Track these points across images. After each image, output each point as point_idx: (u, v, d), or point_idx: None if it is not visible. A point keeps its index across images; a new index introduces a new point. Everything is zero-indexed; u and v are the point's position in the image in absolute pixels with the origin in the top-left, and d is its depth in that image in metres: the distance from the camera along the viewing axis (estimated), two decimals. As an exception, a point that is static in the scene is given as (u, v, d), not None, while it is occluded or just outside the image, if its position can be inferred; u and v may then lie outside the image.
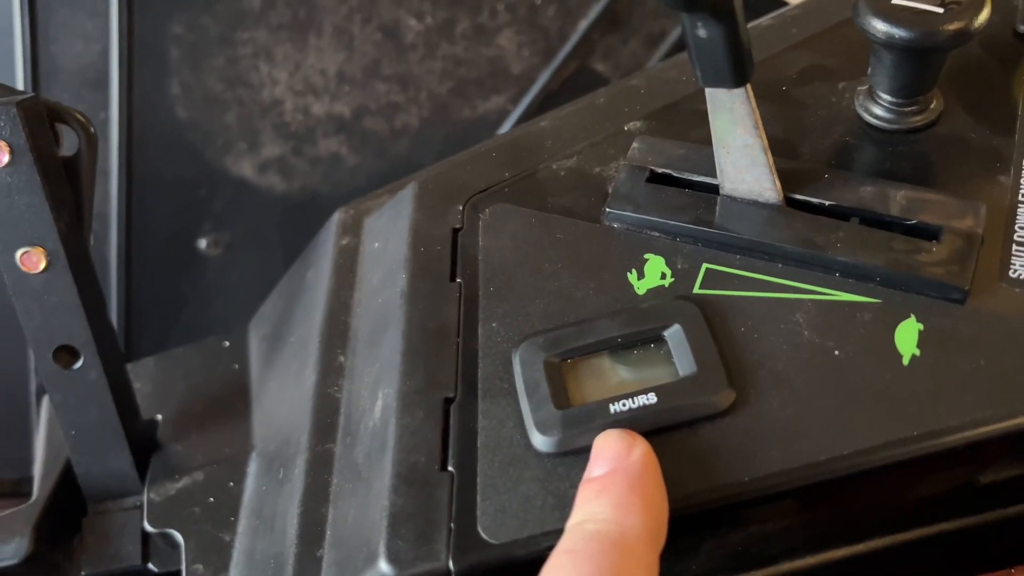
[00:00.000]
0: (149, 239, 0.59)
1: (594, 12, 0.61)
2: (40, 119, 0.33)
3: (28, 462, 0.51)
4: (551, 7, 0.59)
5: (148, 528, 0.34)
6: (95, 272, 0.35)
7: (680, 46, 0.59)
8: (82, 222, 0.35)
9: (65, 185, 0.34)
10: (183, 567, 0.33)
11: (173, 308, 0.60)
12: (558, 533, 0.22)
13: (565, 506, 0.23)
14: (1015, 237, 0.26)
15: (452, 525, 0.24)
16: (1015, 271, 0.25)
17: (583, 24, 0.59)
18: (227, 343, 0.42)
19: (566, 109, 0.33)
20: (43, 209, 0.33)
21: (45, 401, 0.44)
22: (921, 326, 0.25)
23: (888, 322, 0.25)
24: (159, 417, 0.39)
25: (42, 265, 0.33)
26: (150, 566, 0.35)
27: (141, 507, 0.36)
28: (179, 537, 0.34)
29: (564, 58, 0.60)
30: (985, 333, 0.24)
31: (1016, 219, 0.26)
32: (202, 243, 0.60)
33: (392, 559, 0.23)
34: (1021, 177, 0.27)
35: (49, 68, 0.55)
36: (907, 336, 0.25)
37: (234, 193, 0.60)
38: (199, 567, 0.33)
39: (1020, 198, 0.27)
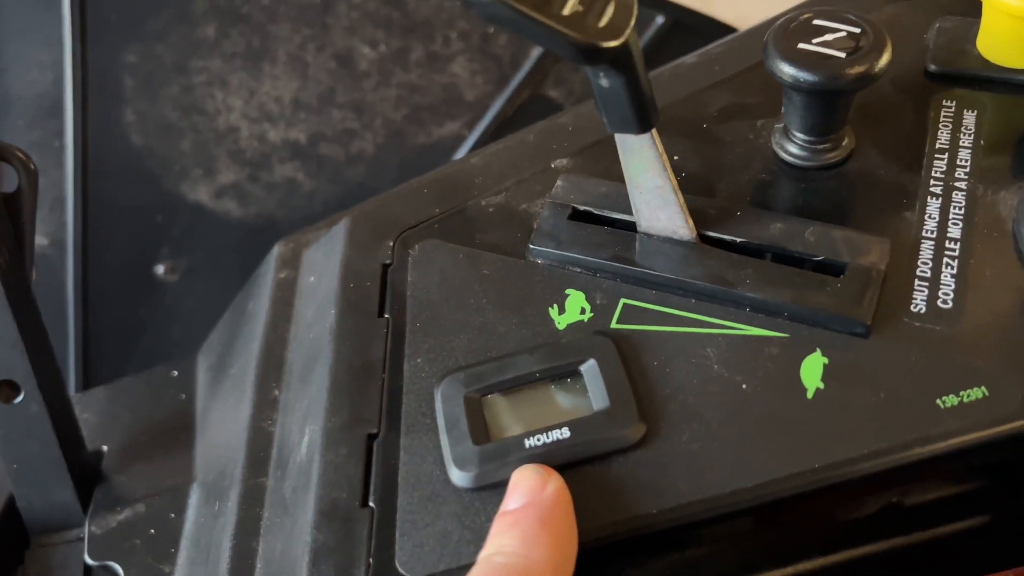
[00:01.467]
0: (106, 266, 0.59)
1: (547, 39, 0.62)
2: (-21, 158, 0.33)
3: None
4: (503, 35, 0.60)
5: (89, 561, 0.35)
6: (36, 307, 0.35)
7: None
8: (23, 257, 0.35)
9: (5, 221, 0.34)
10: (123, 599, 0.33)
11: (132, 334, 0.61)
12: (472, 567, 0.23)
13: (481, 540, 0.24)
14: (918, 272, 0.27)
15: (371, 561, 0.24)
16: (916, 306, 0.26)
17: (535, 52, 0.61)
18: (175, 372, 0.43)
19: (496, 146, 0.34)
20: (-23, 244, 0.33)
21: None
22: (826, 360, 0.26)
23: (794, 356, 0.26)
24: (104, 448, 0.39)
25: (-20, 300, 0.33)
26: (91, 599, 0.35)
27: (83, 539, 0.36)
28: (119, 570, 0.34)
29: (517, 85, 0.61)
30: (886, 367, 0.25)
31: (919, 255, 0.27)
32: (159, 269, 0.61)
33: (311, 595, 0.24)
34: (926, 213, 0.28)
35: (3, 97, 0.56)
36: (812, 370, 0.26)
37: (191, 219, 0.61)
38: (138, 600, 0.33)
39: (924, 234, 0.28)
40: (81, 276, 0.60)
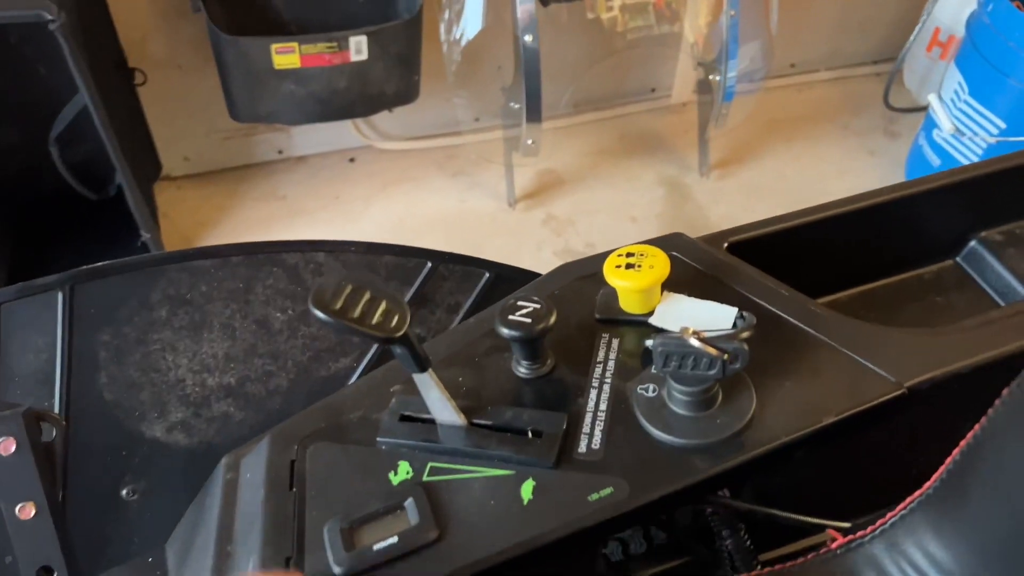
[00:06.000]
0: (82, 491, 0.77)
1: (410, 291, 0.87)
2: (33, 420, 0.54)
3: None
4: (376, 295, 0.85)
5: None
6: (65, 516, 0.55)
7: (469, 313, 0.85)
8: (55, 482, 0.55)
9: (48, 459, 0.54)
10: None
11: (101, 544, 0.77)
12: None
13: (351, 604, 0.44)
14: (582, 431, 0.50)
15: (291, 623, 0.44)
16: (580, 448, 0.49)
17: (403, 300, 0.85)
18: (150, 559, 0.61)
19: (357, 382, 0.57)
20: (34, 476, 0.53)
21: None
22: (534, 483, 0.48)
23: (518, 483, 0.48)
24: (103, 614, 0.57)
25: (32, 513, 0.53)
26: None
27: None
28: None
29: (390, 328, 0.85)
30: (564, 482, 0.48)
31: (584, 421, 0.51)
32: (124, 492, 0.79)
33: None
34: (589, 398, 0.52)
35: (8, 375, 0.76)
36: (527, 489, 0.48)
37: (148, 451, 0.80)
38: None
39: (588, 409, 0.51)
40: (62, 500, 0.77)
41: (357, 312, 0.45)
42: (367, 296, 0.46)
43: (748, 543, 0.53)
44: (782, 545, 0.56)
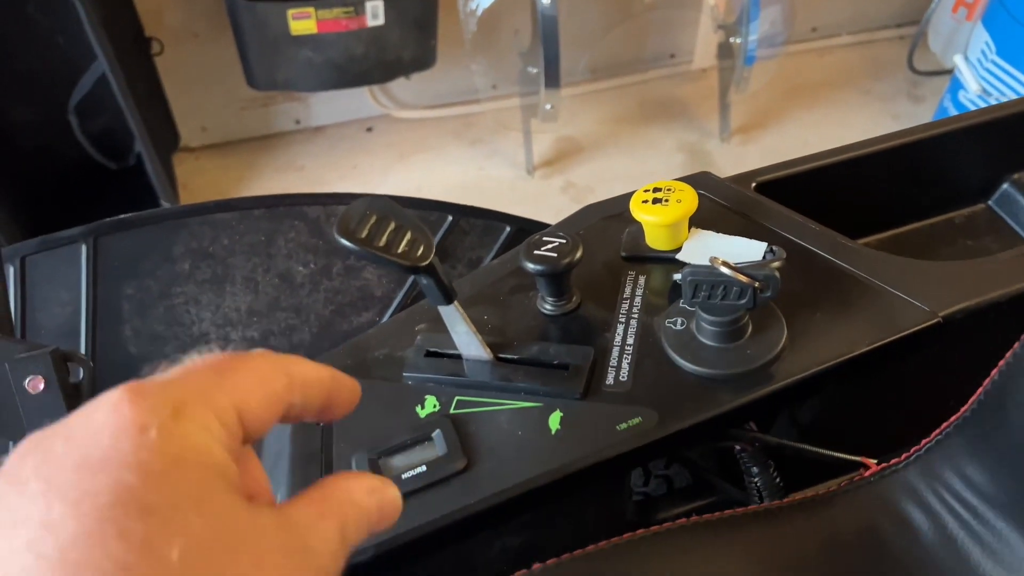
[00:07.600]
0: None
1: (431, 247, 0.86)
2: (60, 360, 0.54)
3: None
4: (398, 249, 0.84)
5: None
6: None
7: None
8: (84, 423, 0.55)
9: (74, 399, 0.54)
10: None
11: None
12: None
13: (381, 532, 0.43)
14: (609, 364, 0.49)
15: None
16: (607, 381, 0.49)
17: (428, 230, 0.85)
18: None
19: (386, 323, 0.56)
20: (63, 414, 0.53)
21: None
22: (561, 414, 0.47)
23: (545, 414, 0.48)
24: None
25: (62, 451, 0.53)
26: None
27: None
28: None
29: (412, 282, 0.85)
30: (592, 413, 0.47)
31: (611, 354, 0.50)
32: (149, 446, 0.79)
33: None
34: (616, 332, 0.51)
35: (35, 328, 0.76)
36: (555, 420, 0.47)
37: (173, 405, 0.80)
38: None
39: (614, 344, 0.51)
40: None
41: (383, 241, 0.44)
42: (392, 225, 0.45)
43: (778, 480, 0.53)
44: (813, 485, 0.55)
